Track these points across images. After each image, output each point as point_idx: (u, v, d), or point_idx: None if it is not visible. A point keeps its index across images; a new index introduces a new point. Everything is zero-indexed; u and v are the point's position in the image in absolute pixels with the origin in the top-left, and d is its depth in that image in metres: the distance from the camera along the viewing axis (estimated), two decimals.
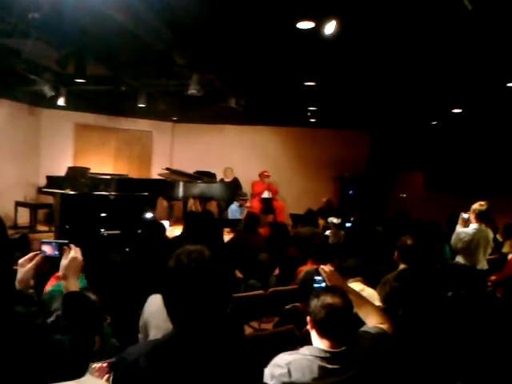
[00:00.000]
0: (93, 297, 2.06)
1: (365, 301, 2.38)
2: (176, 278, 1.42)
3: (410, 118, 10.05)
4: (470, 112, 8.75)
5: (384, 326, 2.20)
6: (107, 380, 2.14)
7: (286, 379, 1.91)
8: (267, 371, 1.95)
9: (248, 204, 9.93)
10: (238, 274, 4.54)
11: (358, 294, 2.37)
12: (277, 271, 4.78)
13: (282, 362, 1.96)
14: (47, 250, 1.83)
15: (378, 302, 2.93)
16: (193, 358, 1.39)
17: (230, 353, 1.47)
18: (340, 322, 1.96)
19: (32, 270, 1.81)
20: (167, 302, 1.45)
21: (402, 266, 3.81)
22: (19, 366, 1.35)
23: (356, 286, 3.06)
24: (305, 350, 2.00)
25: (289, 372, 1.91)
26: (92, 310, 1.66)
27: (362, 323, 2.27)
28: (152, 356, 1.39)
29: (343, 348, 1.95)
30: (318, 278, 2.34)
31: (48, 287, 2.86)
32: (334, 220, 6.77)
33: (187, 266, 1.41)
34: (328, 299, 1.97)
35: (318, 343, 2.01)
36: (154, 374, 1.36)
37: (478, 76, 6.20)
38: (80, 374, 1.57)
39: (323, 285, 2.32)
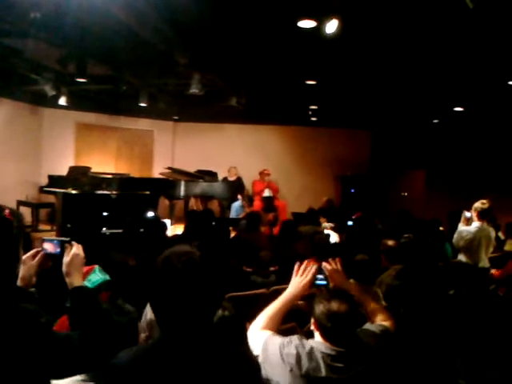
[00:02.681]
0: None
1: (367, 298, 2.38)
2: (162, 279, 1.38)
3: (411, 116, 10.04)
4: (472, 110, 8.74)
5: (386, 323, 2.20)
6: None
7: (294, 361, 1.91)
8: (280, 340, 1.98)
9: (248, 209, 9.89)
10: (246, 269, 4.52)
11: (360, 291, 2.37)
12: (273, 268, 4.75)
13: (294, 342, 1.97)
14: (49, 247, 1.84)
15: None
16: (180, 364, 1.35)
17: (221, 358, 1.42)
18: (345, 329, 1.95)
19: (34, 268, 1.83)
20: (153, 305, 1.42)
21: (394, 267, 3.82)
22: (24, 363, 1.36)
23: None
24: (312, 343, 2.00)
25: (298, 355, 1.92)
26: (98, 305, 1.68)
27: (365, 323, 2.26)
28: (140, 361, 1.35)
29: (346, 348, 1.95)
30: (319, 275, 2.34)
31: None
32: (327, 224, 6.74)
33: (175, 267, 1.36)
34: (334, 306, 1.94)
35: (322, 342, 2.00)
36: (143, 379, 1.33)
37: (480, 74, 6.19)
38: (93, 368, 1.58)
39: (325, 282, 2.33)
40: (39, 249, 1.85)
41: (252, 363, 1.57)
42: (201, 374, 1.35)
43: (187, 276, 1.35)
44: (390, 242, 3.96)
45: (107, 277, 2.38)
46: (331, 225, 6.73)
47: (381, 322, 2.22)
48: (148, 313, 2.55)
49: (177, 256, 1.38)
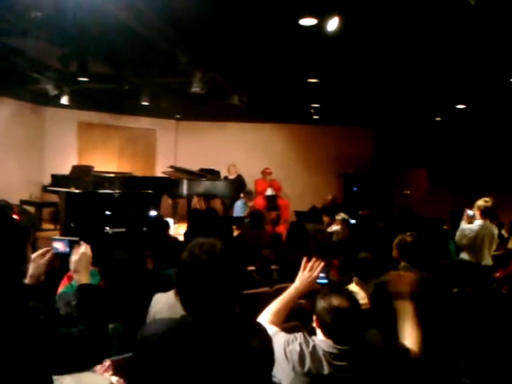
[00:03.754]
0: None
1: (406, 317, 2.24)
2: (188, 270, 1.47)
3: (413, 114, 10.02)
4: (474, 108, 8.72)
5: (412, 348, 2.10)
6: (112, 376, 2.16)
7: (297, 358, 1.90)
8: (285, 337, 1.98)
9: (251, 203, 9.96)
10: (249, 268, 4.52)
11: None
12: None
13: (299, 340, 1.97)
14: (59, 246, 1.87)
15: None
16: (204, 345, 1.44)
17: (241, 340, 1.51)
18: (346, 325, 1.93)
19: (44, 266, 1.86)
20: (181, 293, 1.50)
21: (402, 264, 3.80)
22: (24, 359, 1.36)
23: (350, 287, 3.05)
24: (315, 341, 1.99)
25: (301, 352, 1.91)
26: (103, 302, 1.70)
27: (367, 323, 2.24)
28: (173, 334, 1.46)
29: (349, 346, 1.94)
30: (320, 274, 2.34)
31: (60, 288, 2.87)
32: (346, 216, 6.68)
33: (198, 258, 1.46)
34: (334, 301, 1.94)
35: (324, 340, 1.99)
36: (169, 351, 1.42)
37: (482, 72, 6.18)
38: (94, 363, 1.63)
39: (326, 281, 2.32)
40: (49, 248, 1.89)
41: (269, 348, 1.63)
42: (221, 353, 1.45)
43: (209, 264, 1.46)
44: (409, 238, 3.90)
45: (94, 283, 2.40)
46: (344, 216, 6.67)
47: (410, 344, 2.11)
48: (151, 311, 2.55)
49: (199, 245, 1.50)
